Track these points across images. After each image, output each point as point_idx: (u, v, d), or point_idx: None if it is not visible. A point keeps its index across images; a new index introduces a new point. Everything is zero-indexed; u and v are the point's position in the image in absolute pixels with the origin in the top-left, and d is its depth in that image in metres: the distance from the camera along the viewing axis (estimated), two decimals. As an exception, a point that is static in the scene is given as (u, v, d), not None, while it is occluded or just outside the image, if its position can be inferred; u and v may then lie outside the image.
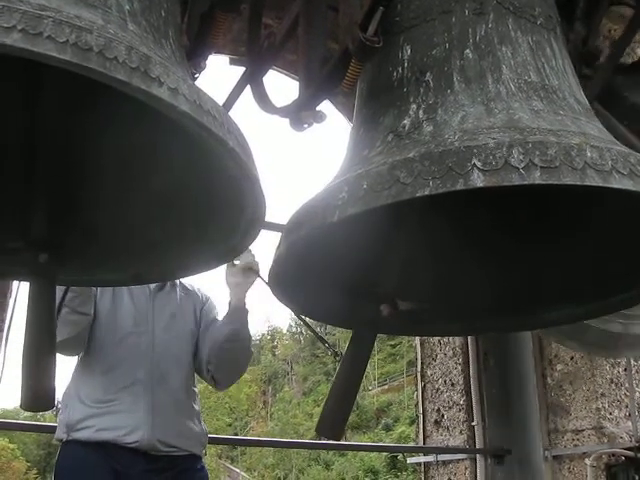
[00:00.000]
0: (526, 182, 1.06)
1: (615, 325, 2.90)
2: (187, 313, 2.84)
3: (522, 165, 1.07)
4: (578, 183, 1.07)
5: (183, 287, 2.91)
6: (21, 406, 1.41)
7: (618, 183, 1.08)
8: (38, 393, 1.40)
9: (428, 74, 1.40)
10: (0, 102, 1.44)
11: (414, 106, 1.38)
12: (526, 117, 1.25)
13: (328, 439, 1.54)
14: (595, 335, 2.94)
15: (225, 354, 2.72)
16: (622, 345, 3.09)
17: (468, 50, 1.40)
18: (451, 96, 1.35)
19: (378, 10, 1.44)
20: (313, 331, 2.23)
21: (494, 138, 1.14)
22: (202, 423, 2.78)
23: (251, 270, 2.70)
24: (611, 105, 1.97)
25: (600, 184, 1.07)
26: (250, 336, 2.82)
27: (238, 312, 2.74)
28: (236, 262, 2.71)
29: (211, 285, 3.10)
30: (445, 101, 1.34)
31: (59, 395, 2.66)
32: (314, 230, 1.24)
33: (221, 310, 2.90)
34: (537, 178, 1.06)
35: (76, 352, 2.66)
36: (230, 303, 2.76)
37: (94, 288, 2.60)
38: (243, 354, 2.82)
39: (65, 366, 2.70)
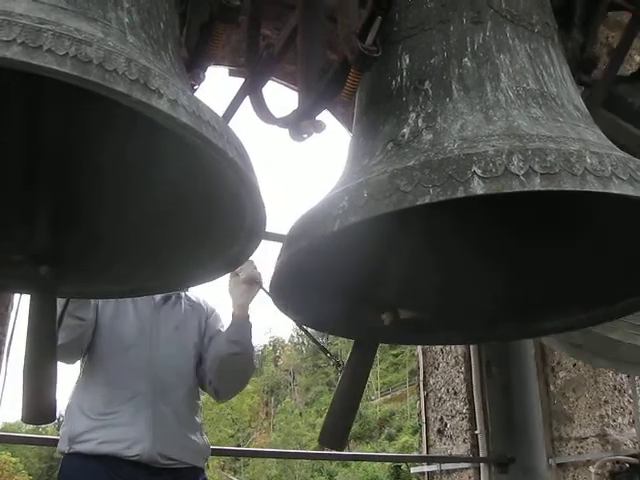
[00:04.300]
0: (526, 189, 1.06)
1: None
2: (191, 326, 2.84)
3: (522, 172, 1.07)
4: (578, 189, 1.07)
5: (189, 299, 2.91)
6: (22, 419, 1.41)
7: (618, 189, 1.08)
8: (39, 406, 1.39)
9: (427, 83, 1.41)
10: (0, 115, 1.45)
11: (413, 115, 1.38)
12: (525, 124, 1.25)
13: (331, 449, 1.53)
14: (627, 352, 2.88)
15: (227, 366, 2.72)
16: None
17: (466, 58, 1.40)
18: (450, 104, 1.35)
19: (376, 20, 1.45)
20: (315, 341, 2.23)
21: (494, 145, 1.14)
22: (204, 436, 2.78)
23: (253, 281, 2.70)
24: (617, 111, 1.97)
25: (600, 190, 1.08)
26: (253, 348, 2.81)
27: (241, 324, 2.74)
28: (239, 273, 2.71)
29: (217, 298, 3.10)
30: (444, 109, 1.35)
31: (63, 407, 2.66)
32: (315, 240, 1.24)
33: (226, 323, 2.91)
34: (537, 185, 1.06)
35: (72, 359, 2.65)
36: (233, 314, 2.76)
37: None
38: (245, 366, 2.82)
39: (69, 379, 2.71)
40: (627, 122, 1.96)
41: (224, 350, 2.71)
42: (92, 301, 2.60)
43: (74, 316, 2.48)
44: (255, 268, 2.72)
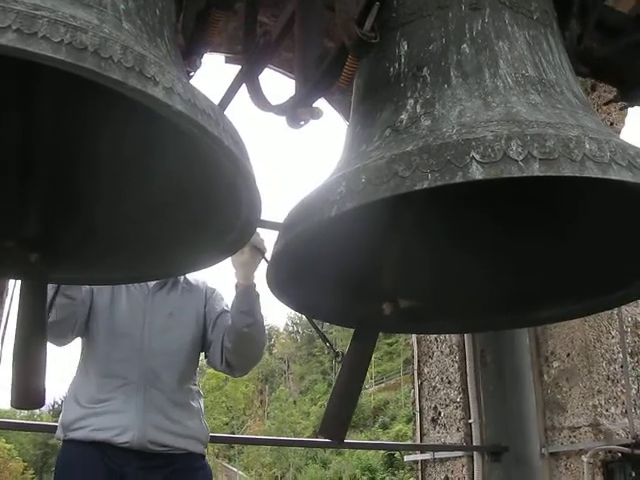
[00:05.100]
0: (525, 174, 1.05)
1: None
2: (188, 311, 2.82)
3: (521, 157, 1.07)
4: (577, 175, 1.06)
5: (187, 282, 2.88)
6: (11, 404, 1.42)
7: (617, 174, 1.08)
8: (28, 392, 1.40)
9: (425, 69, 1.40)
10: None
11: (411, 101, 1.38)
12: (524, 110, 1.25)
13: (331, 440, 1.53)
14: None
15: (243, 338, 2.68)
16: None
17: (465, 45, 1.40)
18: (448, 91, 1.35)
19: (374, 6, 1.44)
20: (317, 329, 2.21)
21: (492, 131, 1.14)
22: (203, 421, 2.77)
23: (257, 249, 2.63)
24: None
25: (599, 176, 1.07)
26: (263, 317, 2.76)
27: (247, 292, 2.69)
28: None
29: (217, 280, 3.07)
30: (442, 96, 1.34)
31: (62, 396, 2.67)
32: (313, 226, 1.24)
33: (229, 299, 2.86)
34: (536, 170, 1.06)
35: (62, 339, 2.63)
36: (237, 285, 2.71)
37: None
38: (260, 336, 2.78)
39: (66, 369, 2.72)
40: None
41: (237, 323, 2.65)
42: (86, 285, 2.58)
43: (64, 294, 2.45)
44: (259, 235, 2.65)
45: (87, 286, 2.61)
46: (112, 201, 1.59)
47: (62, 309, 2.47)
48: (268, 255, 2.42)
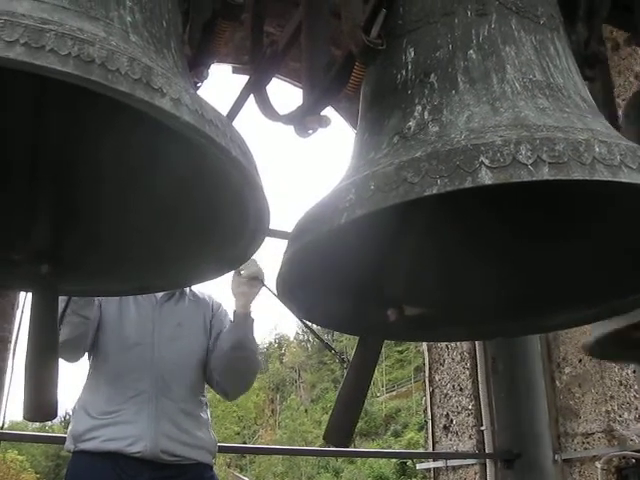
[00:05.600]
0: (535, 178, 1.05)
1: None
2: (195, 322, 2.84)
3: (530, 161, 1.06)
4: (587, 178, 1.06)
5: (193, 294, 2.91)
6: (23, 416, 1.42)
7: (627, 177, 1.07)
8: (40, 404, 1.40)
9: (432, 75, 1.40)
10: (3, 115, 1.45)
11: (419, 107, 1.37)
12: (532, 115, 1.24)
13: (336, 446, 1.53)
14: None
15: (230, 363, 2.72)
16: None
17: (472, 51, 1.39)
18: (456, 97, 1.34)
19: (381, 13, 1.44)
20: (319, 338, 2.23)
21: (501, 136, 1.13)
22: (211, 432, 2.78)
23: (256, 279, 2.70)
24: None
25: (609, 179, 1.06)
26: (256, 346, 2.82)
27: (243, 321, 2.74)
28: (242, 272, 2.71)
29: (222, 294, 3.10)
30: (450, 102, 1.34)
31: (70, 407, 2.68)
32: (322, 234, 1.23)
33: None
34: (546, 174, 1.05)
35: (75, 356, 2.66)
36: (235, 313, 2.76)
37: None
38: (249, 364, 2.82)
39: (77, 379, 2.72)
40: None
41: (226, 347, 2.71)
42: (95, 300, 2.60)
43: (78, 314, 2.48)
44: (258, 266, 2.72)
45: (96, 301, 2.62)
46: (119, 211, 1.59)
47: (76, 328, 2.50)
48: (271, 270, 2.45)
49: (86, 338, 2.62)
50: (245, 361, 2.77)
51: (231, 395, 2.95)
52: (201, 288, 2.98)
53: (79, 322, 2.52)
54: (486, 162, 1.07)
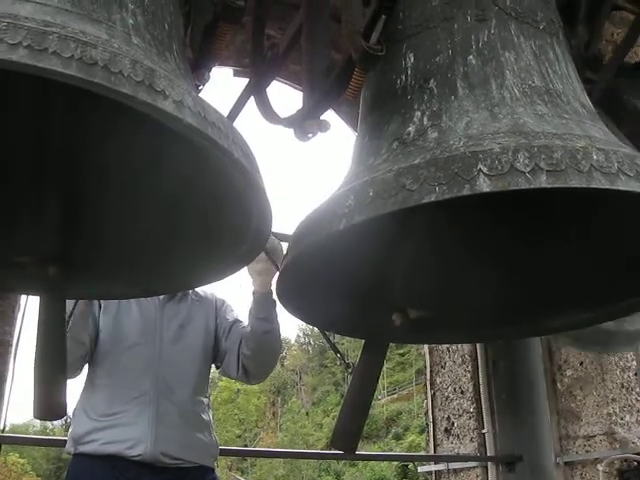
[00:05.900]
0: (532, 186, 1.05)
1: (608, 323, 2.86)
2: (198, 323, 2.82)
3: (528, 169, 1.07)
4: (584, 186, 1.06)
5: (196, 294, 2.88)
6: (34, 415, 1.43)
7: (625, 185, 1.08)
8: (51, 403, 1.43)
9: (432, 81, 1.40)
10: (8, 117, 1.45)
11: (418, 113, 1.38)
12: (531, 121, 1.25)
13: (343, 452, 1.53)
14: (588, 332, 2.90)
15: (262, 344, 2.68)
16: (614, 342, 3.06)
17: (471, 56, 1.40)
18: (455, 102, 1.35)
19: (380, 18, 1.45)
20: (328, 340, 2.21)
21: (499, 143, 1.14)
22: (212, 434, 2.76)
23: (275, 255, 2.61)
24: (612, 108, 1.96)
25: (606, 187, 1.07)
26: (279, 325, 2.76)
27: (265, 299, 2.69)
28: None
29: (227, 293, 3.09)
30: (449, 107, 1.34)
31: (71, 409, 2.68)
32: (321, 239, 1.24)
33: (239, 312, 2.88)
34: (543, 182, 1.06)
35: (72, 376, 2.65)
36: (254, 293, 2.71)
37: (95, 309, 2.62)
38: (276, 343, 2.79)
39: (77, 380, 2.72)
40: (620, 121, 1.94)
41: (256, 329, 2.66)
42: (90, 319, 2.61)
43: (76, 340, 2.48)
44: (274, 240, 2.63)
45: (91, 319, 2.63)
46: (123, 213, 1.59)
47: (72, 353, 2.48)
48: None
49: (83, 360, 2.62)
50: (273, 341, 2.72)
51: (256, 377, 2.89)
52: (204, 287, 2.95)
53: (76, 347, 2.52)
54: (484, 170, 1.08)
